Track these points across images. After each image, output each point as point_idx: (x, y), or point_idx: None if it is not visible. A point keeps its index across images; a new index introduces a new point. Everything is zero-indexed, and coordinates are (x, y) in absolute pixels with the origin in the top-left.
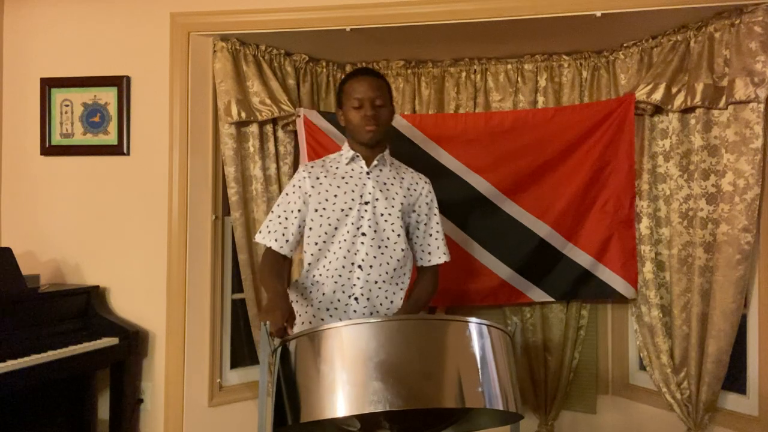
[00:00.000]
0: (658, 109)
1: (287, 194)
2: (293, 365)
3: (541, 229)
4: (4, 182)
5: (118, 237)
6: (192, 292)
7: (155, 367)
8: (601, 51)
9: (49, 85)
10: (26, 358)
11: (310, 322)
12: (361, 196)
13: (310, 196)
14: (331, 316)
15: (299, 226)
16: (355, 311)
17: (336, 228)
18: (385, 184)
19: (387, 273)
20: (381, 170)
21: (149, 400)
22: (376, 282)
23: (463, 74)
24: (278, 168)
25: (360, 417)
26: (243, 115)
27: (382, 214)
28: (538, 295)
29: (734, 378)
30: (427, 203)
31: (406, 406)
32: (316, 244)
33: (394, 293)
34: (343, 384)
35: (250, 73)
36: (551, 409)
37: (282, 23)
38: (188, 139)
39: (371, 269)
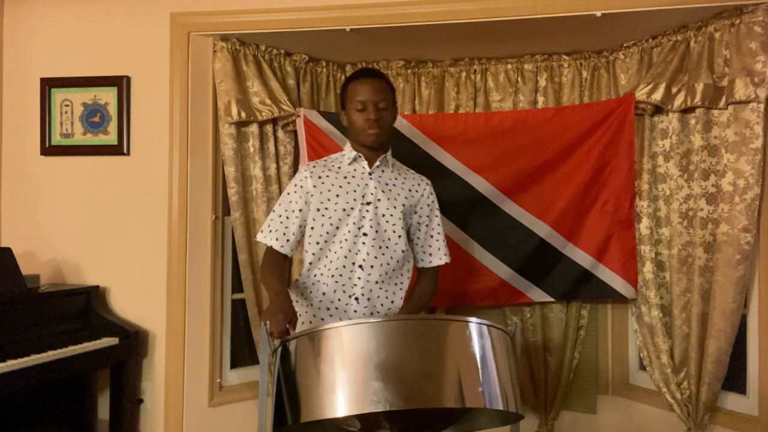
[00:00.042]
0: (658, 109)
1: (289, 194)
2: (293, 365)
3: (541, 229)
4: (4, 182)
5: (118, 237)
6: (192, 292)
7: (155, 367)
8: (601, 51)
9: (49, 85)
10: (26, 358)
11: (311, 322)
12: (363, 196)
13: (312, 195)
14: (331, 315)
15: (300, 226)
16: (355, 311)
17: (337, 228)
18: (387, 184)
19: (387, 273)
20: (383, 171)
21: (149, 400)
22: (376, 282)
23: (463, 74)
24: (278, 168)
25: (360, 417)
26: (243, 115)
27: (383, 215)
28: (538, 295)
29: (734, 378)
30: (428, 205)
31: (406, 406)
32: (318, 243)
33: (394, 293)
34: (343, 384)
35: (250, 73)
36: (551, 409)
37: (282, 23)
38: (188, 139)
39: (372, 269)
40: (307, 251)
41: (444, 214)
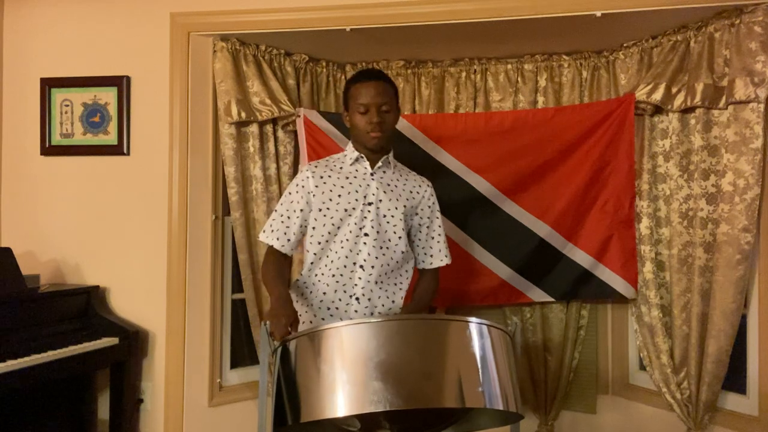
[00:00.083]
0: (658, 109)
1: (290, 193)
2: (293, 365)
3: (541, 229)
4: (4, 182)
5: (118, 237)
6: (192, 292)
7: (155, 367)
8: (601, 51)
9: (49, 85)
10: (26, 358)
11: (311, 322)
12: (365, 196)
13: (313, 195)
14: (331, 315)
15: (301, 226)
16: (356, 311)
17: (339, 228)
18: (388, 185)
19: (386, 274)
20: (385, 172)
21: (149, 400)
22: (376, 282)
23: (463, 74)
24: (278, 168)
25: (360, 417)
26: (243, 115)
27: (384, 216)
28: (538, 295)
29: (734, 378)
30: (429, 206)
31: (406, 405)
32: (319, 243)
33: (394, 293)
34: (343, 384)
35: (250, 73)
36: (551, 409)
37: (282, 23)
38: (188, 139)
39: (372, 269)
40: (308, 251)
41: (444, 214)
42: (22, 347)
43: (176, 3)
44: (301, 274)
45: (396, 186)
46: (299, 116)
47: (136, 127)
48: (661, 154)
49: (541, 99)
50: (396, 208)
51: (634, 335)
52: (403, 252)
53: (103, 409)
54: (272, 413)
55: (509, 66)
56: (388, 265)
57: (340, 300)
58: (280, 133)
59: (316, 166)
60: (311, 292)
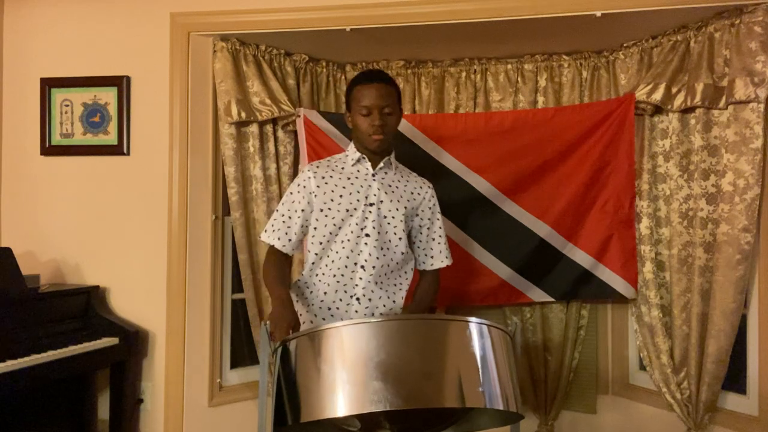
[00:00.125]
0: (658, 109)
1: (292, 193)
2: (293, 365)
3: (541, 229)
4: (4, 182)
5: (118, 237)
6: (192, 292)
7: (155, 367)
8: (601, 51)
9: (49, 85)
10: (26, 358)
11: (311, 322)
12: (366, 197)
13: (315, 195)
14: (332, 315)
15: (302, 226)
16: (356, 311)
17: (340, 228)
18: (389, 186)
19: (386, 275)
20: (386, 173)
21: (149, 400)
22: (377, 283)
23: (463, 74)
24: (278, 168)
25: (360, 417)
26: (243, 115)
27: (385, 217)
28: (538, 295)
29: (734, 378)
30: (430, 208)
31: (407, 405)
32: (320, 243)
33: (394, 293)
34: (344, 384)
35: (250, 73)
36: (551, 409)
37: (282, 23)
38: (188, 139)
39: (374, 270)
40: (309, 251)
41: (444, 214)
42: (22, 347)
43: (176, 3)
44: (302, 274)
45: (397, 187)
46: (299, 116)
47: (136, 127)
48: (661, 154)
49: (541, 99)
50: (397, 210)
51: (634, 335)
52: (403, 253)
53: (103, 409)
54: (272, 413)
55: (509, 66)
56: (389, 266)
57: (340, 300)
58: (280, 133)
59: (317, 167)
60: (311, 292)
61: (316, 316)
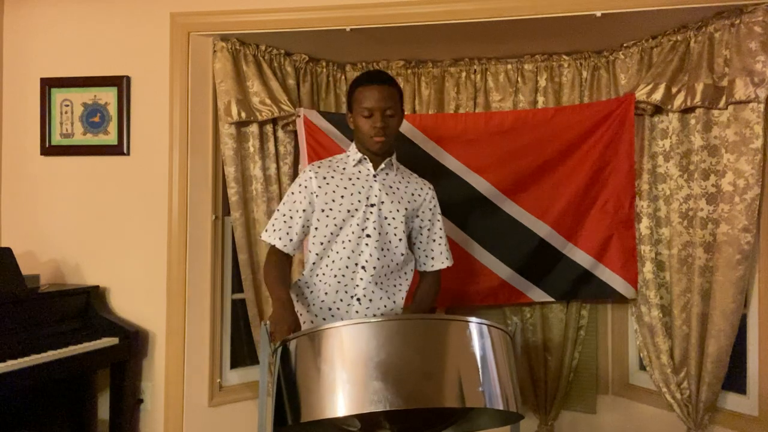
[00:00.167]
0: (658, 109)
1: (293, 193)
2: (293, 365)
3: (541, 229)
4: (4, 182)
5: (118, 237)
6: (192, 292)
7: (155, 367)
8: (601, 51)
9: (49, 85)
10: (26, 358)
11: (312, 322)
12: (368, 198)
13: (316, 196)
14: (332, 316)
15: (303, 226)
16: (357, 312)
17: (341, 228)
18: (390, 187)
19: (386, 275)
20: (387, 174)
21: (149, 400)
22: (377, 284)
23: (463, 74)
24: (278, 168)
25: (360, 417)
26: (243, 115)
27: (386, 218)
28: (538, 295)
29: (734, 378)
30: (430, 209)
31: (407, 405)
32: (321, 243)
33: (394, 294)
34: (344, 383)
35: (250, 73)
36: (551, 409)
37: (282, 23)
38: (188, 139)
39: (374, 270)
40: (310, 251)
41: (444, 214)
42: (22, 347)
43: (176, 3)
44: (302, 274)
45: (398, 188)
46: (299, 116)
47: (136, 127)
48: (661, 154)
49: (541, 99)
50: (398, 211)
51: (634, 335)
52: (403, 254)
53: (103, 409)
54: (272, 413)
55: (509, 66)
56: (389, 266)
57: (341, 300)
58: (280, 133)
59: (319, 167)
60: (312, 292)
61: (316, 316)
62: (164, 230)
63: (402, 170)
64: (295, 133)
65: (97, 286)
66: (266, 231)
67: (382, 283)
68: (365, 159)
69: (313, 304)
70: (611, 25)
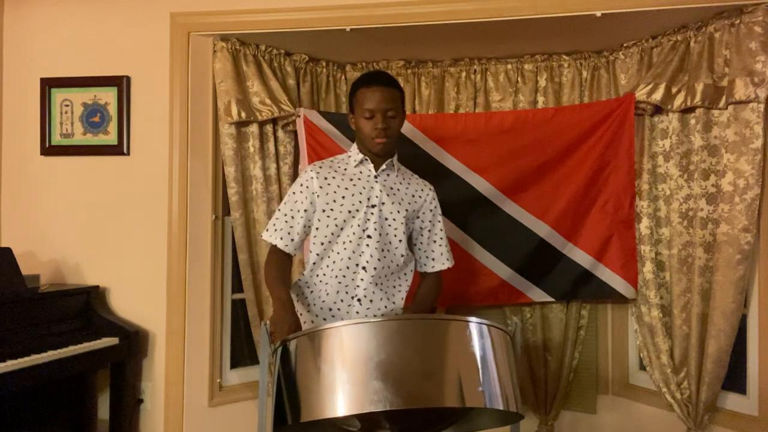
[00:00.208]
0: (658, 109)
1: (294, 193)
2: (293, 365)
3: (541, 229)
4: (4, 182)
5: (118, 237)
6: (192, 292)
7: (155, 367)
8: (601, 51)
9: (49, 85)
10: (26, 358)
11: (312, 322)
12: (369, 199)
13: (318, 196)
14: (333, 316)
15: (305, 226)
16: (357, 312)
17: (342, 229)
18: (391, 188)
19: (386, 276)
20: (388, 175)
21: (149, 400)
22: (377, 284)
23: (463, 74)
24: (278, 168)
25: (360, 417)
26: (243, 115)
27: (386, 218)
28: (538, 295)
29: (734, 378)
30: (431, 210)
31: (406, 405)
32: (322, 244)
33: (393, 295)
34: (344, 383)
35: (250, 73)
36: (551, 409)
37: (282, 23)
38: (188, 139)
39: (375, 271)
40: (311, 251)
41: (444, 214)
42: (22, 347)
43: (176, 3)
44: (302, 275)
45: (399, 190)
46: (299, 116)
47: (136, 127)
48: (661, 154)
49: (541, 99)
50: (398, 212)
51: (634, 335)
52: (403, 255)
53: (103, 409)
54: (272, 413)
55: (509, 66)
56: (389, 267)
57: (341, 301)
58: (280, 133)
59: (320, 167)
60: (312, 292)
61: (317, 316)
62: (164, 230)
63: (403, 171)
64: (295, 133)
65: (97, 286)
66: (267, 230)
67: (382, 284)
68: (366, 160)
69: (314, 305)
70: (611, 25)
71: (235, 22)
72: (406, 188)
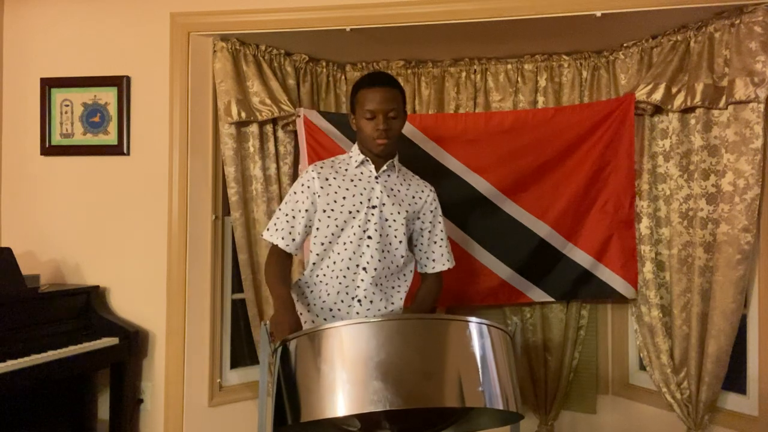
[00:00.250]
0: (658, 109)
1: (295, 193)
2: (293, 365)
3: (541, 229)
4: (4, 182)
5: (118, 237)
6: (192, 292)
7: (155, 367)
8: (601, 51)
9: (49, 85)
10: (26, 358)
11: (313, 322)
12: (369, 199)
13: (318, 196)
14: (333, 317)
15: (306, 226)
16: (357, 313)
17: (342, 229)
18: (392, 189)
19: (386, 277)
20: (389, 176)
21: (149, 400)
22: (377, 285)
23: (463, 74)
24: (278, 168)
25: (360, 417)
26: (243, 115)
27: (386, 219)
28: (538, 295)
29: (734, 378)
30: (431, 211)
31: (406, 405)
32: (322, 244)
33: (392, 296)
34: (343, 383)
35: (250, 73)
36: (551, 409)
37: (282, 23)
38: (188, 139)
39: (375, 272)
40: (311, 251)
41: (444, 214)
42: (22, 347)
43: (176, 3)
44: (303, 274)
45: (399, 191)
46: (299, 116)
47: (136, 127)
48: (661, 154)
49: (541, 99)
50: (398, 213)
51: (634, 335)
52: (403, 256)
53: (103, 409)
54: (272, 413)
55: (509, 66)
56: (389, 268)
57: (342, 302)
58: (280, 133)
59: (321, 167)
60: (312, 292)
61: (317, 316)
62: (164, 230)
63: (404, 172)
64: (295, 133)
65: (97, 286)
66: (268, 230)
67: (381, 284)
68: (367, 161)
69: (314, 305)
70: (611, 25)
71: (235, 22)
72: (407, 189)
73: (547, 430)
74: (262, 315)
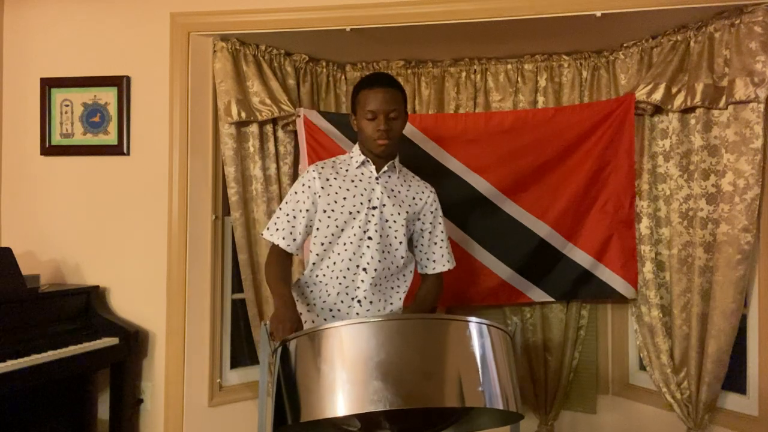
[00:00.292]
0: (658, 109)
1: (296, 193)
2: (293, 365)
3: (541, 229)
4: (4, 182)
5: (118, 237)
6: (192, 292)
7: (155, 367)
8: (601, 51)
9: (49, 85)
10: (26, 358)
11: (313, 322)
12: (370, 200)
13: (319, 196)
14: (333, 317)
15: (307, 226)
16: (357, 313)
17: (343, 230)
18: (392, 190)
19: (386, 278)
20: (390, 176)
21: (149, 400)
22: (377, 285)
23: (463, 74)
24: (278, 168)
25: (360, 417)
26: (243, 115)
27: (387, 220)
28: (538, 295)
29: (734, 378)
30: (431, 212)
31: (406, 405)
32: (322, 244)
33: (391, 297)
34: (343, 383)
35: (250, 73)
36: (551, 409)
37: (282, 23)
38: (188, 139)
39: (375, 272)
40: (311, 251)
41: (444, 214)
42: (22, 347)
43: (176, 3)
44: (303, 274)
45: (399, 191)
46: (299, 116)
47: (136, 127)
48: (661, 154)
49: (541, 99)
50: (399, 214)
51: (634, 335)
52: (403, 257)
53: (103, 409)
54: (272, 413)
55: (509, 66)
56: (389, 269)
57: (342, 302)
58: (280, 133)
59: (322, 167)
60: (312, 292)
61: (318, 316)
62: (164, 230)
63: (404, 173)
64: (295, 133)
65: (97, 286)
66: (268, 229)
67: (380, 285)
68: (368, 161)
69: (314, 304)
70: (611, 25)
71: (235, 22)
72: (407, 190)
73: (547, 430)
74: (262, 315)
